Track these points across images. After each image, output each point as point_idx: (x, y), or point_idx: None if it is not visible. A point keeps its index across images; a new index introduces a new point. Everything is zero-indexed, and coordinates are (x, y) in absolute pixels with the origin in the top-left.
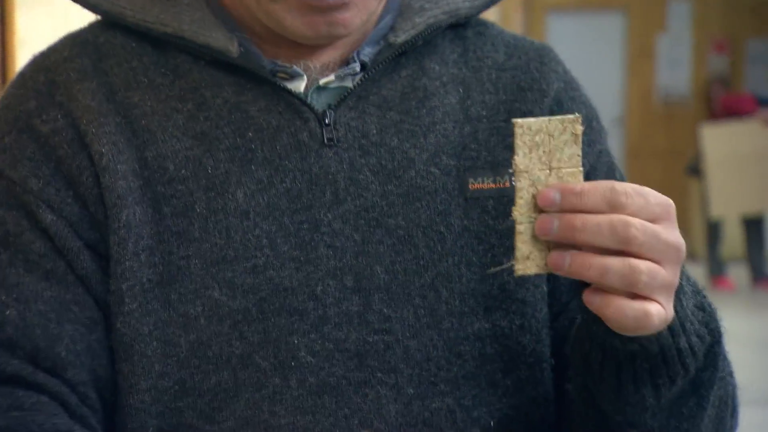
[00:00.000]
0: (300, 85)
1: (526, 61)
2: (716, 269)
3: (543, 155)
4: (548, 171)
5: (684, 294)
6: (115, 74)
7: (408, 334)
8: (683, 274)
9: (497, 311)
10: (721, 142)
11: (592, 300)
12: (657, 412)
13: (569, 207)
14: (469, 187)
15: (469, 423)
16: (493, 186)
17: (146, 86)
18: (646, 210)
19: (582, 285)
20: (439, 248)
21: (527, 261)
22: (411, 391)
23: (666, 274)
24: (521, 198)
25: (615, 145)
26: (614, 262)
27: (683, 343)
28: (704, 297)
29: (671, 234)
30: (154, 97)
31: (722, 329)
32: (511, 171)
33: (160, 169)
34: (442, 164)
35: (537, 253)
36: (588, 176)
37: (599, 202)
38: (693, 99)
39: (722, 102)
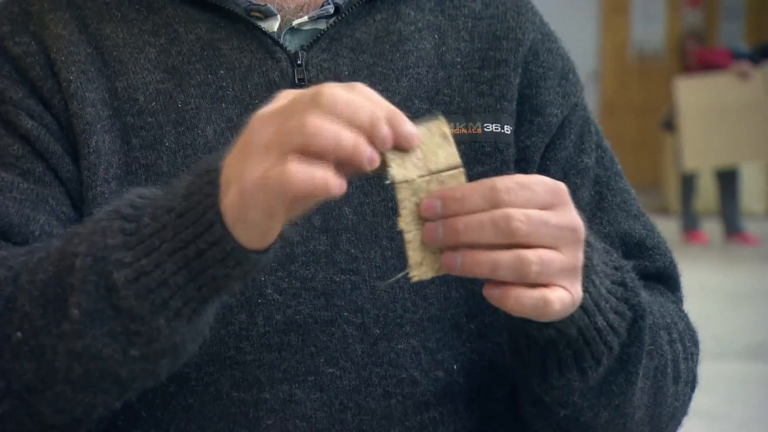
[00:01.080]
0: (273, 25)
1: (503, 11)
2: (690, 224)
3: (418, 161)
4: (428, 177)
5: (596, 273)
6: (88, 7)
7: (375, 275)
8: (597, 251)
9: None
10: (695, 95)
11: (491, 294)
12: (586, 392)
13: (452, 213)
14: None
15: (433, 365)
16: (465, 131)
17: (119, 19)
18: (533, 200)
19: None
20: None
21: (421, 267)
22: (377, 331)
23: (564, 258)
24: (404, 209)
25: (589, 100)
26: (503, 256)
27: (601, 321)
28: (626, 273)
29: (564, 217)
30: (126, 30)
31: (644, 303)
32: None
33: (130, 100)
34: (414, 108)
35: (430, 257)
36: (562, 128)
37: (480, 202)
38: (667, 54)
39: (696, 55)
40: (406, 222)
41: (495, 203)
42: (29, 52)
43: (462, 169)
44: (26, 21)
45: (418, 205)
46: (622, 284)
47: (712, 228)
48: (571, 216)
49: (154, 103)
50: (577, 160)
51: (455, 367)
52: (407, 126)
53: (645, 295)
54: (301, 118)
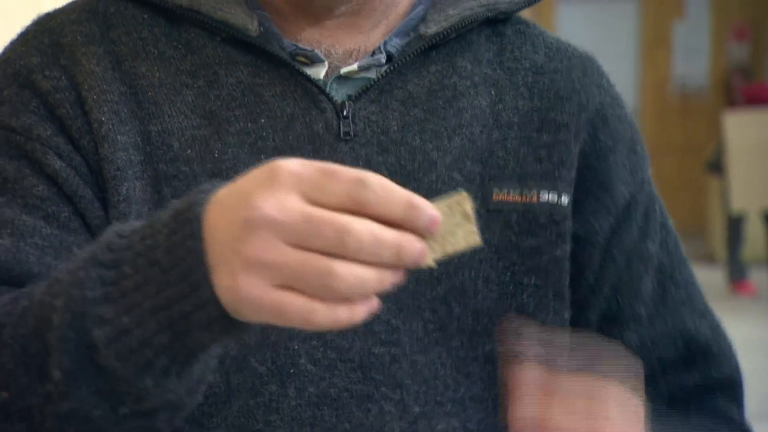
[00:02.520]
0: (320, 72)
1: (567, 67)
2: (737, 273)
3: (435, 244)
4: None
5: None
6: (123, 43)
7: (416, 349)
8: None
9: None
10: (744, 131)
11: None
12: None
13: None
14: (493, 198)
15: None
16: (519, 200)
17: (155, 57)
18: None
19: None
20: (455, 260)
21: None
22: (417, 409)
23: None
24: None
25: None
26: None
27: None
28: None
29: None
30: (163, 70)
31: None
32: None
33: (164, 146)
34: (465, 170)
35: None
36: (628, 210)
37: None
38: (711, 90)
39: (744, 92)
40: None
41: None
42: (59, 87)
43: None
44: (57, 54)
45: None
46: None
47: (761, 277)
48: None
49: (189, 151)
50: (641, 246)
51: None
52: (427, 218)
53: None
54: (327, 266)
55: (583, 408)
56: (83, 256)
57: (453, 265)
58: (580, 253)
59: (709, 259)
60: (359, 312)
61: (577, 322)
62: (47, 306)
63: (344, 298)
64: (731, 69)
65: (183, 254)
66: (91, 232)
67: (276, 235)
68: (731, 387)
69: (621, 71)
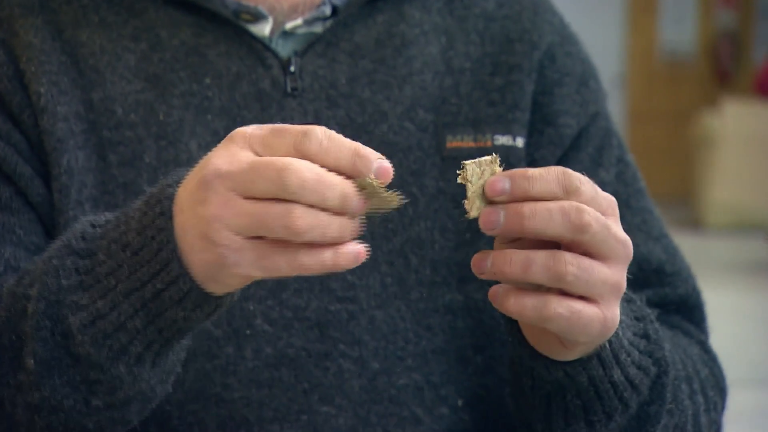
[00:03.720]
0: (264, 29)
1: (518, 11)
2: None
3: (471, 201)
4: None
5: (618, 322)
6: (64, 12)
7: (373, 304)
8: (624, 297)
9: (472, 283)
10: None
11: (495, 293)
12: None
13: (520, 193)
14: (447, 144)
15: (437, 401)
16: (474, 145)
17: (96, 24)
18: (595, 200)
19: None
20: (411, 211)
21: None
22: (376, 365)
23: (610, 272)
24: (471, 191)
25: (615, 106)
26: (537, 253)
27: (618, 375)
28: (650, 323)
29: (620, 230)
30: (104, 36)
31: (668, 357)
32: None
33: (107, 112)
34: (417, 119)
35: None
36: (578, 140)
37: (553, 186)
38: (699, 56)
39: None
40: (471, 205)
41: (567, 188)
42: None
43: None
44: None
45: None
46: (645, 336)
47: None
48: (623, 231)
49: (133, 116)
50: (593, 174)
51: (460, 403)
52: (376, 166)
53: (668, 347)
54: (284, 208)
55: (556, 185)
56: (56, 246)
57: (408, 216)
58: None
59: (696, 225)
60: (345, 254)
61: None
62: (20, 296)
63: (309, 240)
64: (719, 35)
65: (153, 233)
66: (34, 210)
67: (230, 189)
68: (687, 306)
69: (607, 37)
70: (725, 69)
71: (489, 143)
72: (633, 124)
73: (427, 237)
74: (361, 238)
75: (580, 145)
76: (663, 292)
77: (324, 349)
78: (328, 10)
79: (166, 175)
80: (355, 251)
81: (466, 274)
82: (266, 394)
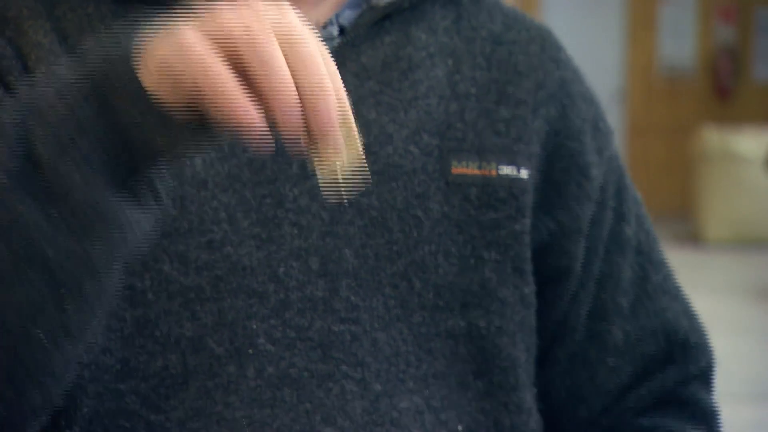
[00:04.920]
0: None
1: (526, 39)
2: None
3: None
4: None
5: None
6: (68, 20)
7: (376, 326)
8: None
9: (475, 309)
10: None
11: None
12: None
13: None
14: (452, 170)
15: (437, 425)
16: (478, 172)
17: (102, 32)
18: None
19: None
20: (415, 234)
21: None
22: (378, 387)
23: None
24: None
25: (615, 121)
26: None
27: None
28: None
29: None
30: None
31: None
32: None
33: None
34: (422, 143)
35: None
36: (603, 191)
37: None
38: (698, 71)
39: None
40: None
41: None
42: (5, 55)
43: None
44: (2, 26)
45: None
46: None
47: (746, 260)
48: None
49: None
50: (618, 231)
51: (460, 428)
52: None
53: None
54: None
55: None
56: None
57: (413, 239)
58: (568, 242)
59: (695, 240)
60: (253, 120)
61: (567, 320)
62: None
63: (255, 77)
64: (718, 50)
65: (118, 34)
66: None
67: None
68: (705, 375)
69: (607, 53)
70: (724, 84)
71: (494, 172)
72: (632, 139)
73: (430, 261)
74: (365, 258)
75: (605, 199)
76: (686, 369)
77: (327, 370)
78: (335, 31)
79: (170, 190)
80: (257, 126)
81: (468, 300)
82: (268, 413)
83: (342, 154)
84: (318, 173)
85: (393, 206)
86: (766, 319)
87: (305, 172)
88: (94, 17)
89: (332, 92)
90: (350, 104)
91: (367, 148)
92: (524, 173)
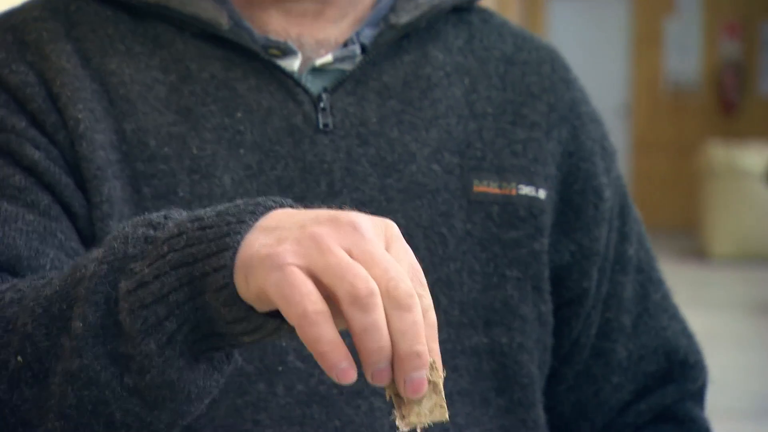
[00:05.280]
0: (293, 64)
1: (536, 61)
2: None
3: (402, 411)
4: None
5: None
6: (89, 40)
7: None
8: None
9: (498, 326)
10: None
11: None
12: None
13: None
14: (474, 189)
15: None
16: (499, 191)
17: (124, 53)
18: None
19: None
20: (440, 251)
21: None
22: None
23: None
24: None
25: (620, 136)
26: None
27: None
28: None
29: None
30: (133, 66)
31: None
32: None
33: (141, 144)
34: (444, 161)
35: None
36: (611, 212)
37: None
38: (703, 87)
39: None
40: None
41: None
42: (28, 82)
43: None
44: (23, 51)
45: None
46: None
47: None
48: None
49: (166, 149)
50: (621, 251)
51: None
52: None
53: None
54: (365, 275)
55: None
56: (135, 219)
57: (438, 256)
58: (588, 264)
59: (700, 255)
60: (342, 363)
61: (579, 339)
62: (81, 265)
63: (351, 319)
64: (723, 65)
65: (229, 219)
66: (75, 220)
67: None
68: (700, 393)
69: (613, 68)
70: (730, 99)
71: (514, 192)
72: (638, 154)
73: (455, 279)
74: None
75: (611, 221)
76: (685, 387)
77: (355, 387)
78: (358, 50)
79: (200, 208)
80: (347, 371)
81: (491, 318)
82: (297, 431)
83: (424, 406)
84: (395, 411)
85: (418, 224)
86: None
87: (333, 190)
88: (114, 38)
89: (427, 360)
90: (375, 122)
91: (392, 166)
92: (542, 193)
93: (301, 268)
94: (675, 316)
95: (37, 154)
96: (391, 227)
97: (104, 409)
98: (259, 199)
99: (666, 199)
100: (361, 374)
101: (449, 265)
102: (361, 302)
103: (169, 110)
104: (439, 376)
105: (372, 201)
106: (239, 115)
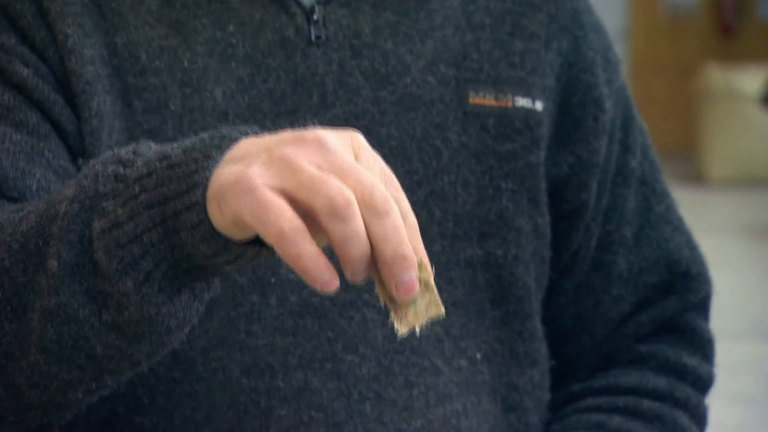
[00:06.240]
0: None
1: None
2: None
3: (397, 313)
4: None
5: None
6: None
7: None
8: None
9: (493, 238)
10: None
11: None
12: None
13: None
14: (469, 100)
15: (456, 353)
16: (495, 104)
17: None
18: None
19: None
20: (435, 164)
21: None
22: None
23: None
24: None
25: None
26: None
27: None
28: None
29: None
30: None
31: None
32: None
33: (132, 58)
34: (439, 73)
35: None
36: (613, 123)
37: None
38: (702, 10)
39: None
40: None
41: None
42: None
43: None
44: None
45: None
46: None
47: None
48: None
49: (157, 62)
50: (624, 163)
51: (478, 356)
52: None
53: None
54: (340, 189)
55: None
56: (105, 153)
57: (432, 169)
58: (587, 176)
59: (698, 179)
60: (324, 272)
61: (579, 252)
62: (55, 201)
63: (330, 231)
64: None
65: (197, 156)
66: (66, 137)
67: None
68: (703, 305)
69: None
70: (728, 22)
71: (510, 104)
72: (636, 78)
73: (450, 191)
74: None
75: (613, 132)
76: (687, 298)
77: (348, 299)
78: None
79: (191, 122)
80: (330, 282)
81: (486, 230)
82: (290, 342)
83: (419, 305)
84: (392, 316)
85: (412, 136)
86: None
87: (325, 103)
88: None
89: (414, 261)
90: (368, 33)
91: (386, 78)
92: (539, 105)
93: (273, 189)
94: (679, 227)
95: (26, 71)
96: (357, 138)
97: (84, 343)
98: (224, 130)
99: (664, 123)
100: (352, 286)
101: (443, 177)
102: (339, 213)
103: (160, 23)
104: (429, 273)
105: (365, 113)
106: (231, 28)
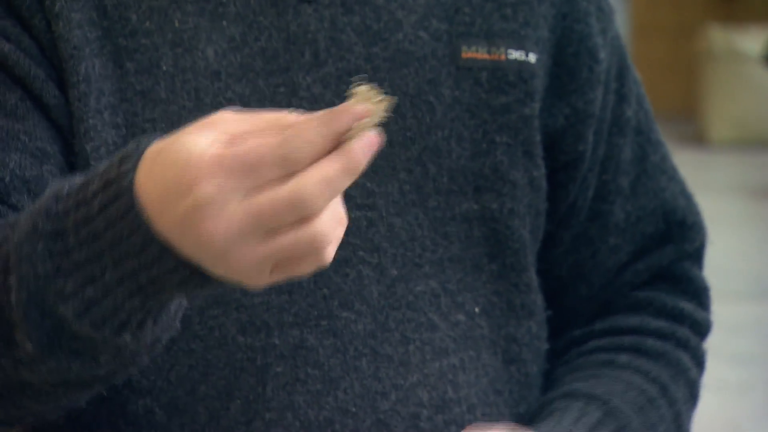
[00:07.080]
0: None
1: None
2: None
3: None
4: None
5: None
6: None
7: (392, 211)
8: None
9: (488, 192)
10: None
11: None
12: None
13: None
14: (462, 55)
15: (453, 308)
16: (488, 57)
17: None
18: None
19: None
20: (428, 119)
21: None
22: (394, 272)
23: None
24: None
25: (619, 21)
26: None
27: None
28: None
29: None
30: None
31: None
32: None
33: (122, 19)
34: (431, 28)
35: None
36: (608, 73)
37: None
38: None
39: None
40: None
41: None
42: None
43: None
44: None
45: None
46: None
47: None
48: None
49: (148, 23)
50: (619, 112)
51: (476, 310)
52: (349, 117)
53: None
54: (291, 191)
55: None
56: (23, 228)
57: (426, 124)
58: (583, 127)
59: (699, 140)
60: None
61: (576, 203)
62: (2, 284)
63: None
64: None
65: (126, 231)
66: (47, 114)
67: (230, 199)
68: (698, 253)
69: None
70: None
71: (503, 57)
72: (637, 39)
73: (444, 146)
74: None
75: (608, 82)
76: (683, 247)
77: (343, 256)
78: None
79: (183, 82)
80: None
81: (481, 184)
82: (286, 299)
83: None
84: None
85: (405, 92)
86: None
87: (317, 60)
88: None
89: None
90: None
91: (378, 34)
92: (533, 57)
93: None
94: (674, 177)
95: (7, 47)
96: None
97: (86, 376)
98: (111, 177)
99: (665, 84)
100: (347, 243)
101: (437, 132)
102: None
103: None
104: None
105: (358, 70)
106: None
